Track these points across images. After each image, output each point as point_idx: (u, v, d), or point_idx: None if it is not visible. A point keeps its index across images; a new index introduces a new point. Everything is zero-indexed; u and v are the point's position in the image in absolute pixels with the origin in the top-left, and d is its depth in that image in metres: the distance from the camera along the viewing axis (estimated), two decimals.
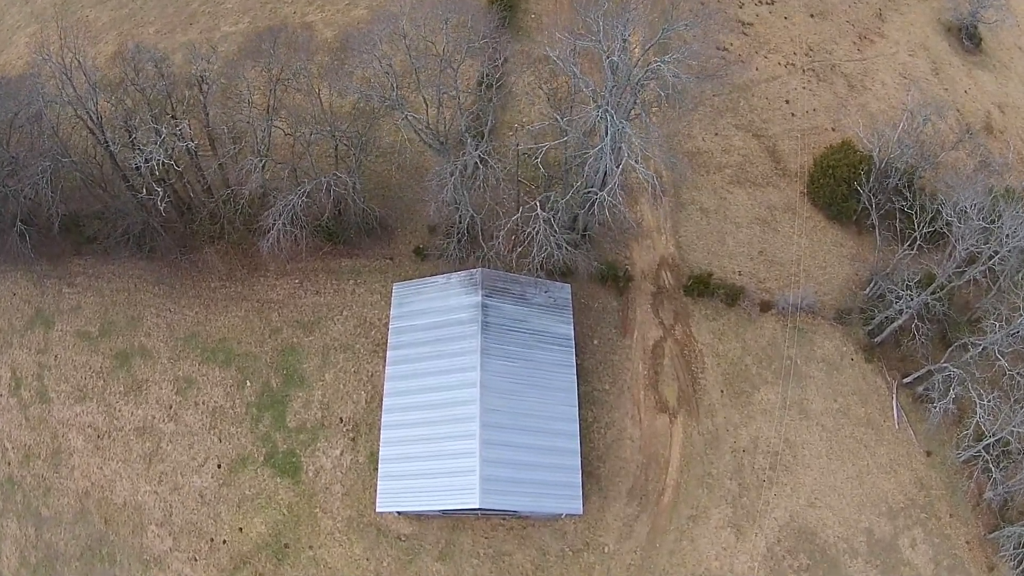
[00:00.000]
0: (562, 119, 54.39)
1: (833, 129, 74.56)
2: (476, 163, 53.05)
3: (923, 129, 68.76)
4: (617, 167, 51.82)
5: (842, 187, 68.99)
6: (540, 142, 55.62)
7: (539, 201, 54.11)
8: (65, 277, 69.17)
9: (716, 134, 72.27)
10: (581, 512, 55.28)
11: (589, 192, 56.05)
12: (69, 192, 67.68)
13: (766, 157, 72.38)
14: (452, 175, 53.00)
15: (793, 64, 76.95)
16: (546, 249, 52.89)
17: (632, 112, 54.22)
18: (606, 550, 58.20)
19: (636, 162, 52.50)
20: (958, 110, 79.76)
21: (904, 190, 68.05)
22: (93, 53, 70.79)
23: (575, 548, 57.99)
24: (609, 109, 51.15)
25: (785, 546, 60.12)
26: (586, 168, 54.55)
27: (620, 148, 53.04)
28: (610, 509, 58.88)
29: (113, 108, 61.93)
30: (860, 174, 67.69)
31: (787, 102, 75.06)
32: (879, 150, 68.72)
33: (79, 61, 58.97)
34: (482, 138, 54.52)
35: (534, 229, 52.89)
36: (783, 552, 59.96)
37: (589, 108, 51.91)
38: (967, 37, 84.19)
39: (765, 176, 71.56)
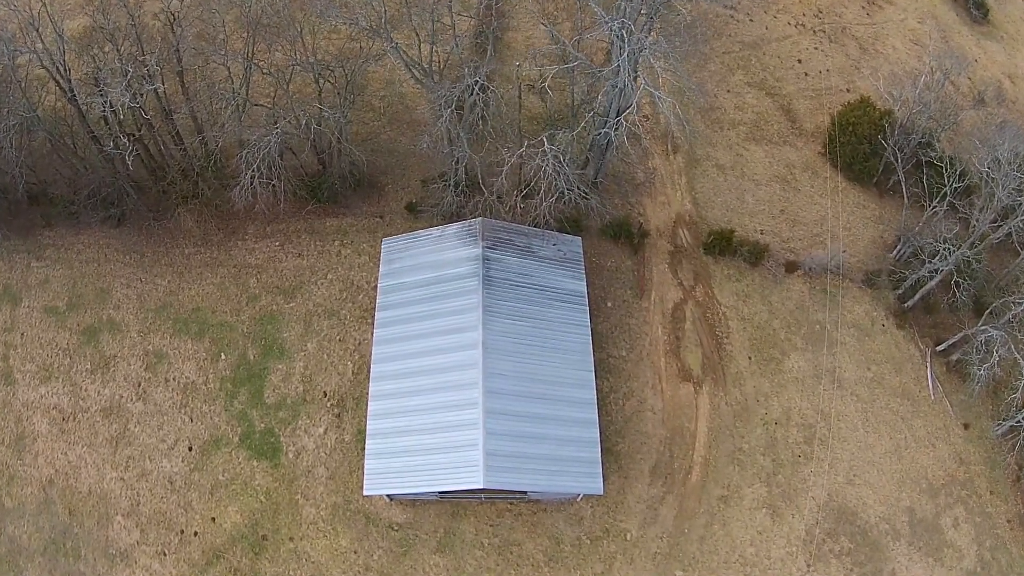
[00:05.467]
0: (570, 44, 41.42)
1: (848, 90, 61.84)
2: (474, 92, 39.85)
3: (943, 87, 56.58)
4: (635, 90, 38.83)
5: (864, 145, 56.38)
6: (544, 75, 42.76)
7: (545, 137, 40.90)
8: (34, 250, 55.58)
9: (728, 91, 59.45)
10: (601, 492, 41.63)
11: (604, 129, 42.93)
12: (38, 160, 55.13)
13: (781, 116, 59.56)
14: (448, 106, 39.79)
15: (803, 25, 64.36)
16: (556, 186, 39.56)
17: (649, 38, 41.43)
18: (628, 537, 44.49)
19: (655, 91, 39.67)
20: (969, 78, 67.46)
21: (934, 141, 55.60)
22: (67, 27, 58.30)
23: (593, 535, 44.25)
24: (627, 21, 38.21)
25: (825, 528, 46.77)
26: (599, 98, 41.40)
27: (637, 75, 40.28)
28: (632, 490, 45.26)
29: (78, 57, 49.50)
30: (884, 128, 55.12)
31: (799, 61, 62.37)
32: (900, 106, 56.53)
33: (46, 5, 46.91)
34: (481, 65, 41.29)
35: (542, 164, 39.58)
36: (823, 535, 46.58)
37: (603, 20, 38.87)
38: (975, 7, 72.01)
39: (781, 135, 58.69)
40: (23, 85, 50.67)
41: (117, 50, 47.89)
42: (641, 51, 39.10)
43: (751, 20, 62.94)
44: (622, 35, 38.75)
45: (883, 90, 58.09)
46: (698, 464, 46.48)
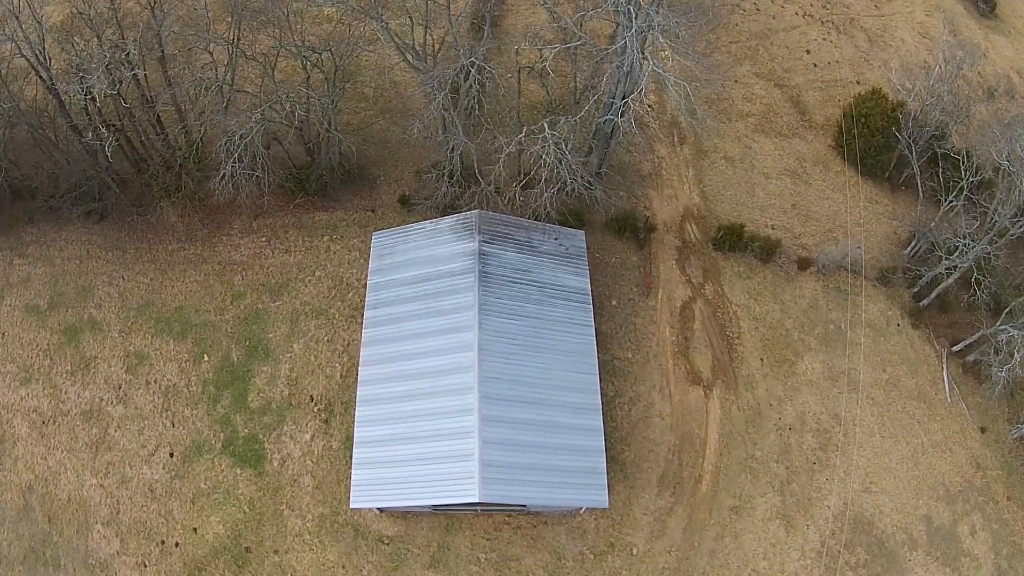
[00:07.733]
0: (572, 22, 36.39)
1: (858, 82, 56.87)
2: (470, 74, 34.83)
3: (955, 79, 51.70)
4: (642, 72, 33.80)
5: (876, 137, 51.36)
6: (545, 55, 37.82)
7: (546, 123, 35.91)
8: (17, 248, 50.75)
9: (736, 81, 54.42)
10: (607, 505, 36.68)
11: (608, 115, 37.90)
12: (21, 154, 50.27)
13: (790, 107, 54.56)
14: (442, 89, 34.78)
15: (811, 15, 59.36)
16: (558, 175, 34.54)
17: (657, 15, 36.40)
18: (634, 552, 39.51)
19: (663, 72, 34.68)
20: (978, 73, 62.53)
21: (948, 134, 50.70)
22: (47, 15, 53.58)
23: (597, 550, 39.26)
24: None
25: (840, 539, 41.93)
26: (603, 81, 36.36)
27: (645, 56, 35.26)
28: (638, 501, 40.28)
29: (60, 47, 44.76)
30: (898, 120, 50.17)
31: (808, 52, 57.35)
32: (912, 98, 51.63)
33: None
34: (477, 46, 36.27)
35: (543, 152, 34.57)
36: (839, 546, 41.74)
37: None
38: (982, 0, 67.05)
39: (791, 127, 53.72)
40: (4, 76, 46.17)
41: (98, 37, 43.21)
42: (649, 28, 34.08)
43: (758, 10, 57.97)
44: (629, 11, 33.77)
45: (896, 81, 53.15)
46: (708, 473, 41.50)
